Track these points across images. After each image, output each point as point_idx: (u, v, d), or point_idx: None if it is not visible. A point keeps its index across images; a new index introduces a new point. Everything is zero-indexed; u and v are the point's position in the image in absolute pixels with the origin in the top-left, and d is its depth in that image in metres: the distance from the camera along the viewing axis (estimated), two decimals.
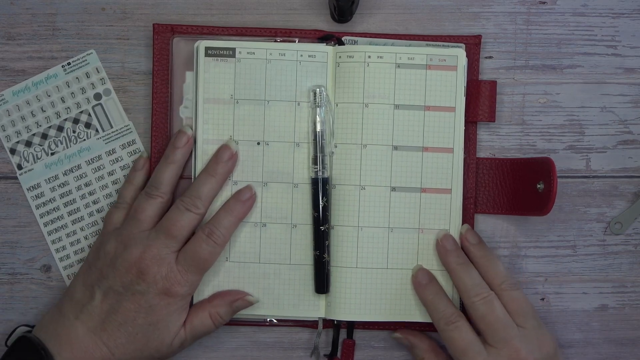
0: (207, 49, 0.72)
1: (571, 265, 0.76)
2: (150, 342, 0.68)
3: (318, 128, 0.72)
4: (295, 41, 0.73)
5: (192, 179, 0.72)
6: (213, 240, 0.69)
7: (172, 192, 0.71)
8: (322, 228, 0.72)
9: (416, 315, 0.72)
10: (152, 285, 0.67)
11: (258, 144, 0.72)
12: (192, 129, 0.72)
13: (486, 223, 0.75)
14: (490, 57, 0.75)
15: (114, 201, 0.74)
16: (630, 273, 0.76)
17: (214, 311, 0.71)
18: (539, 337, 0.68)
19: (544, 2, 0.76)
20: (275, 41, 0.73)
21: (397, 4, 0.75)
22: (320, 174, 0.72)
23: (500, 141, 0.75)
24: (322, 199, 0.72)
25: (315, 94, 0.72)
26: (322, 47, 0.73)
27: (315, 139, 0.72)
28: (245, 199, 0.71)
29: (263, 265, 0.72)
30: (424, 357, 0.72)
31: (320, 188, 0.71)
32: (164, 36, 0.73)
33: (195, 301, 0.72)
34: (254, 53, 0.72)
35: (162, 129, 0.73)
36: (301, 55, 0.72)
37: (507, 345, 0.67)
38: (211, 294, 0.72)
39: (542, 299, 0.75)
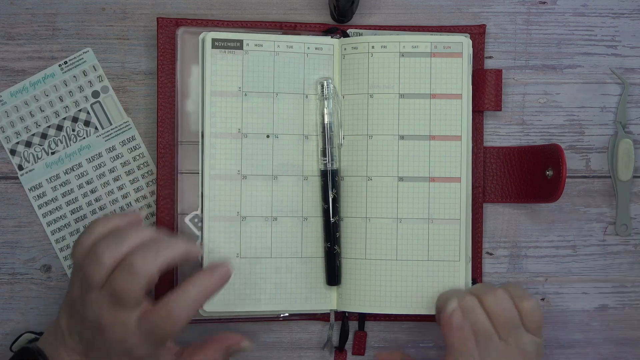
0: (213, 40, 0.71)
1: (571, 265, 0.76)
2: None
3: (326, 120, 0.72)
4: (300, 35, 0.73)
5: (199, 175, 0.71)
6: (173, 319, 0.61)
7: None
8: (332, 220, 0.71)
9: (426, 307, 0.71)
10: (114, 343, 0.61)
11: (267, 136, 0.72)
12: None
13: (489, 221, 0.75)
14: (491, 57, 0.76)
15: (114, 200, 0.73)
16: (630, 273, 0.76)
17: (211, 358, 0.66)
18: None
19: (544, 2, 0.76)
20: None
21: (397, 4, 0.76)
22: (329, 165, 0.72)
23: (500, 141, 0.75)
24: (332, 190, 0.72)
25: (322, 86, 0.72)
26: (328, 39, 0.73)
27: (323, 131, 0.72)
28: (218, 275, 0.63)
29: (275, 260, 0.72)
30: None
31: (330, 180, 0.71)
32: (168, 30, 0.73)
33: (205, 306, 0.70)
34: (261, 45, 0.72)
35: (168, 124, 0.73)
36: (308, 48, 0.72)
37: None
38: (223, 292, 0.66)
39: (542, 299, 0.75)
